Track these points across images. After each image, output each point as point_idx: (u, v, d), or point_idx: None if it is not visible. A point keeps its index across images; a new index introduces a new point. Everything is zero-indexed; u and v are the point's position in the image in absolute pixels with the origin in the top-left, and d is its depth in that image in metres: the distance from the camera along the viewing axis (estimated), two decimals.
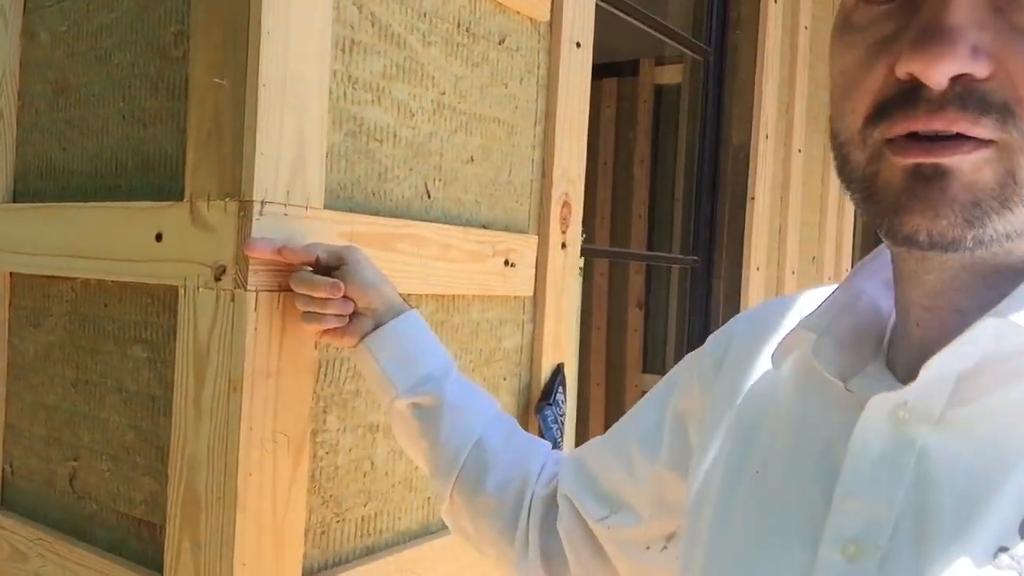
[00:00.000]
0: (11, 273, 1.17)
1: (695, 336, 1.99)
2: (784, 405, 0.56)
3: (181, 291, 0.91)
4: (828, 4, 2.31)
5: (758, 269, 1.96)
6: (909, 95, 0.42)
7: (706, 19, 1.98)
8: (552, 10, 1.28)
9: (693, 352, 0.73)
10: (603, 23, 1.74)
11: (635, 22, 1.75)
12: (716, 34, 1.98)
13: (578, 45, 1.33)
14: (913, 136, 0.42)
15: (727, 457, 0.58)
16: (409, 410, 0.86)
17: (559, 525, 0.80)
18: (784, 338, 0.56)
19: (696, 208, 1.98)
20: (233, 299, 0.86)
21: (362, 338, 0.86)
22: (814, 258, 2.32)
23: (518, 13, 1.22)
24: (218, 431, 0.87)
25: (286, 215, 0.88)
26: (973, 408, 0.45)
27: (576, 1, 1.31)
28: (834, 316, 0.53)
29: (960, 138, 0.41)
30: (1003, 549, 0.41)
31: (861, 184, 0.46)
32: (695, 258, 1.99)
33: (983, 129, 0.41)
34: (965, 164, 0.41)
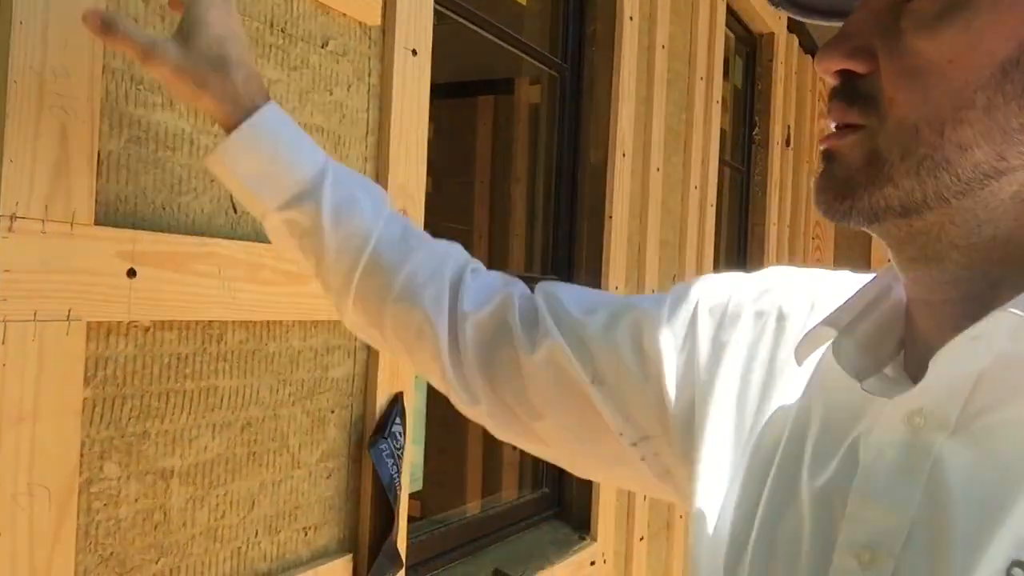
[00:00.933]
0: None
1: None
2: (808, 404, 0.56)
3: None
4: (685, 23, 2.33)
5: (617, 288, 1.92)
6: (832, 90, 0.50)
7: (562, 36, 1.94)
8: (384, 15, 1.20)
9: (697, 291, 0.69)
10: (472, 40, 1.68)
11: (489, 36, 1.69)
12: (572, 51, 1.94)
13: (414, 52, 1.25)
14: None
15: (752, 459, 0.57)
16: (284, 227, 0.74)
17: (539, 351, 0.71)
18: (806, 334, 0.55)
19: (555, 226, 1.93)
20: None
21: (230, 129, 0.71)
22: (674, 276, 2.31)
23: (344, 15, 1.13)
24: None
25: (44, 232, 0.76)
26: (990, 418, 0.45)
27: (411, 7, 1.23)
28: (858, 314, 0.54)
29: (845, 129, 0.49)
30: (1017, 563, 0.41)
31: None
32: (554, 277, 1.94)
33: (853, 116, 0.48)
34: (842, 147, 0.49)
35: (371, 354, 1.20)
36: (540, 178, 2.02)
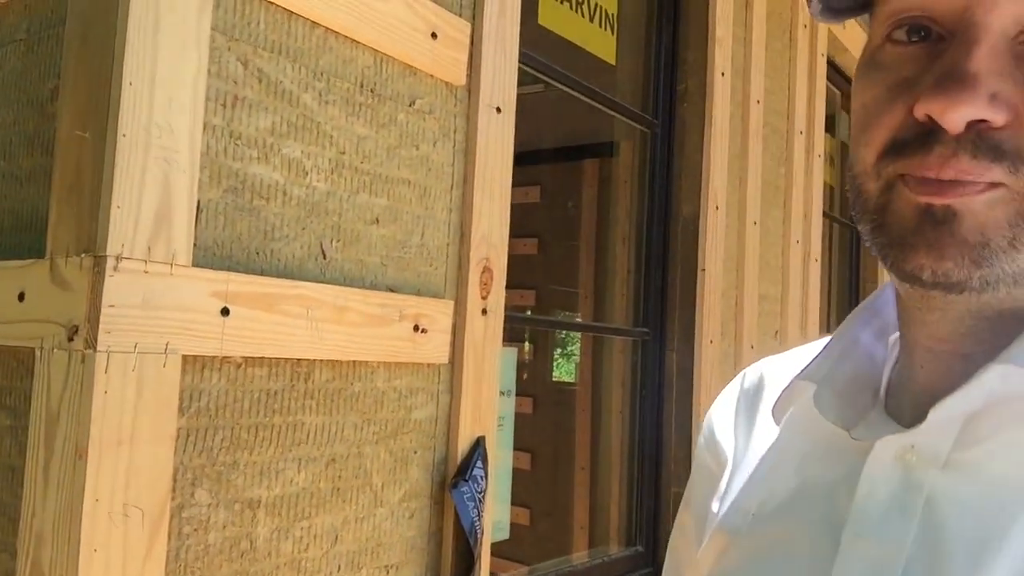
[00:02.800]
0: None
1: (647, 409, 1.92)
2: (783, 455, 0.56)
3: (37, 352, 0.86)
4: (782, 77, 2.33)
5: (712, 342, 1.90)
6: (925, 137, 0.43)
7: (653, 93, 1.97)
8: (469, 75, 1.26)
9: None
10: (576, 106, 1.74)
11: (580, 96, 1.74)
12: (664, 107, 1.97)
13: (498, 110, 1.31)
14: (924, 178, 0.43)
15: (728, 507, 0.58)
16: None
17: None
18: (783, 391, 0.56)
19: (646, 279, 1.93)
20: (83, 360, 0.81)
21: None
22: (776, 332, 2.26)
23: (431, 76, 1.20)
24: (64, 503, 0.81)
25: (146, 272, 0.84)
26: (980, 451, 0.45)
27: (496, 66, 1.30)
28: (832, 366, 0.54)
29: (971, 183, 0.42)
30: None
31: (872, 215, 0.46)
32: (645, 330, 1.93)
33: (995, 173, 0.42)
34: (976, 204, 0.42)
35: (453, 397, 1.23)
36: (634, 234, 2.03)
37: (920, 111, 0.42)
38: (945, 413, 0.45)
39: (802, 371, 0.54)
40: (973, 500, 0.44)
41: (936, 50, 0.44)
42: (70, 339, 0.82)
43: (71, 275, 0.83)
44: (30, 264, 0.88)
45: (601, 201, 4.07)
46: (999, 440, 0.45)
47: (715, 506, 0.63)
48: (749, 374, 0.69)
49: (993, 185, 0.42)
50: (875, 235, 0.46)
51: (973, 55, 0.42)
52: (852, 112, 0.49)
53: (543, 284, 4.51)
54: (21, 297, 0.88)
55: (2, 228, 0.98)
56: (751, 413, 0.64)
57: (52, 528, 0.81)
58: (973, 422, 0.45)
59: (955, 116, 0.41)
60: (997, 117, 0.41)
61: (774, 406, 0.56)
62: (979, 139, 0.42)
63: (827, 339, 0.57)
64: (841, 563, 0.46)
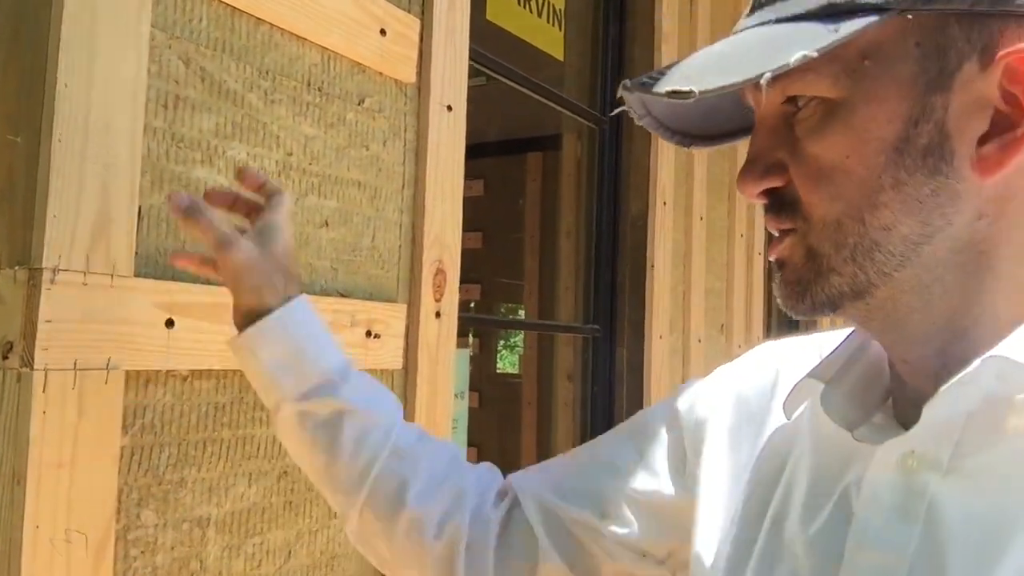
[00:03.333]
0: None
1: (598, 406, 1.92)
2: (798, 455, 0.58)
3: None
4: None
5: (661, 337, 1.91)
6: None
7: (600, 89, 1.97)
8: (419, 72, 1.23)
9: (667, 401, 0.73)
10: (520, 99, 1.72)
11: (529, 92, 1.73)
12: (611, 103, 1.97)
13: (449, 108, 1.28)
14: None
15: (745, 509, 0.59)
16: (298, 419, 0.73)
17: (542, 544, 0.73)
18: (793, 388, 0.57)
19: (596, 276, 1.93)
20: (19, 379, 0.76)
21: (241, 325, 0.74)
22: (723, 326, 2.29)
23: (380, 74, 1.17)
24: (2, 531, 0.76)
25: (85, 284, 0.79)
26: (981, 457, 0.46)
27: (446, 64, 1.27)
28: (842, 365, 0.56)
29: (782, 233, 0.52)
30: None
31: None
32: (596, 327, 1.93)
33: (784, 223, 0.51)
34: (784, 252, 0.52)
35: (407, 404, 1.21)
36: (583, 231, 2.03)
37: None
38: (940, 411, 0.46)
39: (813, 369, 0.56)
40: (975, 506, 0.45)
41: None
42: (4, 357, 0.77)
43: (4, 289, 0.78)
44: None
45: (546, 195, 4.07)
46: (1001, 447, 0.46)
47: (671, 473, 0.68)
48: (763, 362, 0.68)
49: (788, 233, 0.51)
50: None
51: (753, 141, 0.52)
52: None
53: (488, 278, 4.50)
54: None
55: None
56: (763, 404, 0.64)
57: None
58: (972, 425, 0.47)
59: (746, 191, 0.52)
60: (775, 181, 0.51)
61: (785, 403, 0.57)
62: (772, 200, 0.52)
63: (842, 333, 0.59)
64: (846, 571, 0.48)
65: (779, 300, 0.53)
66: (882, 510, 0.48)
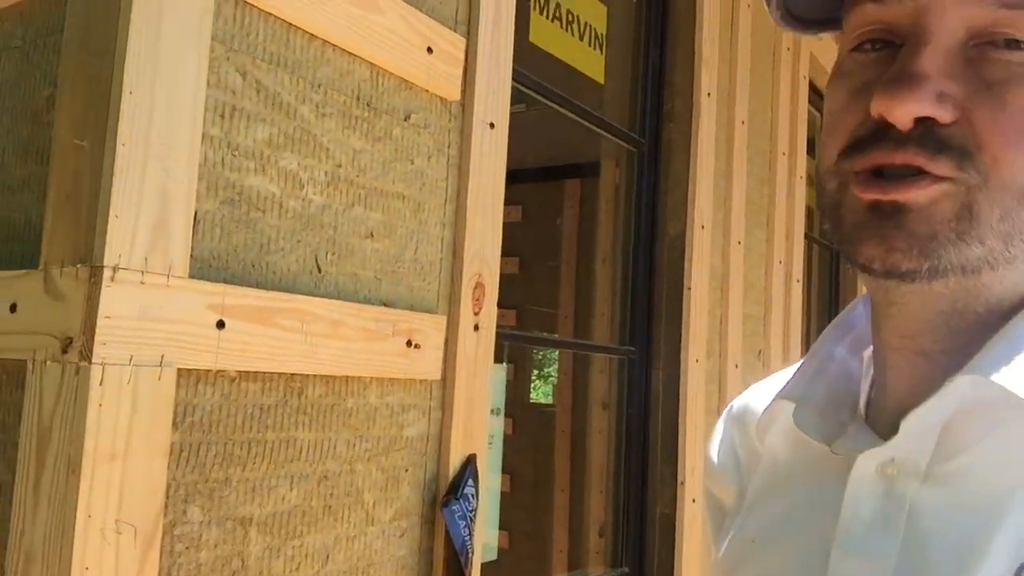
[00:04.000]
0: None
1: (633, 428, 1.92)
2: (777, 476, 0.58)
3: (29, 365, 0.84)
4: (766, 99, 2.35)
5: (697, 361, 1.90)
6: (879, 133, 0.45)
7: (640, 113, 1.99)
8: (463, 90, 1.26)
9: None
10: (560, 126, 1.74)
11: (569, 114, 1.75)
12: (651, 128, 1.99)
13: (492, 126, 1.31)
14: (878, 173, 0.45)
15: (732, 534, 0.61)
16: None
17: None
18: (763, 412, 0.58)
19: (632, 298, 1.94)
20: (78, 373, 0.79)
21: None
22: (760, 352, 2.27)
23: (426, 91, 1.20)
24: (55, 520, 0.79)
25: (143, 283, 0.82)
26: (958, 462, 0.46)
27: (490, 83, 1.30)
28: (808, 383, 0.55)
29: (919, 174, 0.44)
30: None
31: (829, 212, 0.49)
32: (632, 348, 1.93)
33: (940, 166, 0.44)
34: (921, 198, 0.44)
35: (445, 414, 1.22)
36: (619, 254, 2.04)
37: (873, 110, 0.45)
38: (917, 423, 0.46)
39: (781, 391, 0.56)
40: (954, 511, 0.45)
41: (892, 54, 0.47)
42: (64, 351, 0.80)
43: (66, 286, 0.81)
44: (23, 275, 0.86)
45: (584, 220, 4.09)
46: (977, 451, 0.46)
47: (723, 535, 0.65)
48: (735, 404, 0.70)
49: (939, 179, 0.44)
50: (832, 232, 0.49)
51: (920, 56, 0.44)
52: (823, 119, 0.52)
53: (524, 304, 4.51)
54: (13, 308, 0.86)
55: None
56: (743, 440, 0.66)
57: (43, 545, 0.79)
58: (949, 431, 0.47)
59: (902, 112, 0.44)
60: (944, 114, 0.44)
61: (756, 426, 0.59)
62: (927, 135, 0.44)
63: (801, 361, 0.59)
64: None
65: (872, 247, 0.46)
66: (864, 519, 0.48)
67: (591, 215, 3.92)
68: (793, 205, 2.50)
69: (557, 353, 4.66)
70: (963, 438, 0.46)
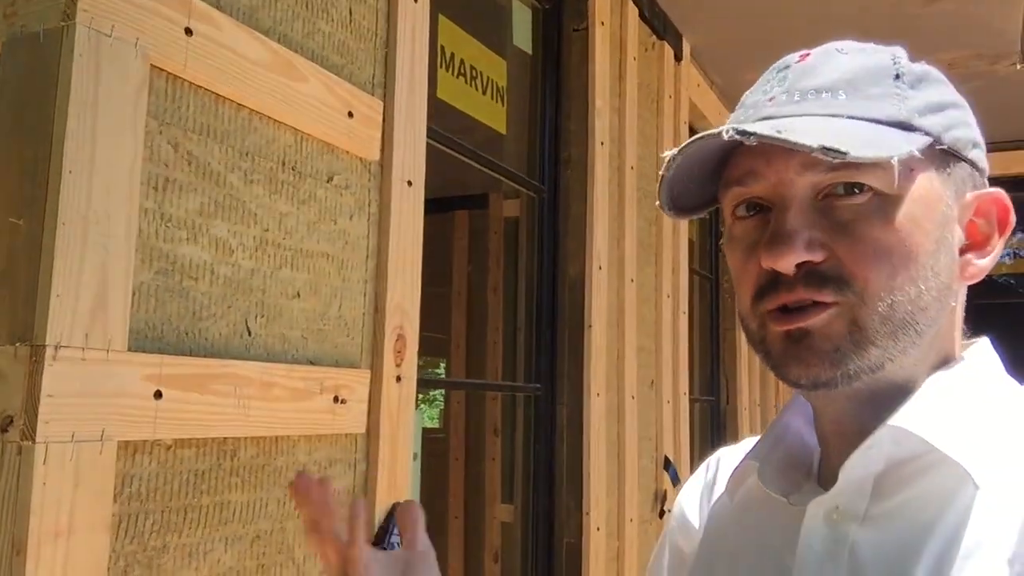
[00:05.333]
0: None
1: (541, 464, 1.99)
2: (741, 528, 0.68)
3: None
4: (651, 145, 2.50)
5: (599, 395, 2.00)
6: (775, 280, 0.58)
7: (539, 160, 2.08)
8: (383, 150, 1.31)
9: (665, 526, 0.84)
10: (451, 159, 1.80)
11: (475, 165, 1.82)
12: (549, 173, 2.08)
13: (409, 184, 1.36)
14: (783, 309, 0.57)
15: (697, 569, 0.70)
16: None
17: None
18: (734, 470, 0.68)
19: (537, 337, 2.02)
20: (20, 452, 0.79)
21: None
22: (652, 382, 2.39)
23: (347, 153, 1.24)
24: None
25: (83, 359, 0.83)
26: (888, 504, 0.56)
27: (406, 143, 1.35)
28: (770, 447, 0.67)
29: (813, 305, 0.56)
30: None
31: (758, 346, 0.61)
32: (537, 386, 2.01)
33: (826, 295, 0.56)
34: (819, 322, 0.56)
35: (370, 466, 1.26)
36: (521, 291, 2.12)
37: (764, 264, 0.58)
38: (852, 472, 0.57)
39: (748, 452, 0.68)
40: (885, 547, 0.55)
41: (766, 219, 0.59)
42: (4, 430, 0.80)
43: (4, 365, 0.81)
44: None
45: (473, 253, 4.16)
46: (903, 495, 0.56)
47: None
48: (711, 463, 0.80)
49: (828, 305, 0.56)
50: (764, 360, 0.60)
51: (787, 217, 0.57)
52: (731, 273, 0.65)
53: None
54: None
55: None
56: (713, 495, 0.76)
57: None
58: (882, 480, 0.57)
59: (784, 263, 0.56)
60: (816, 256, 0.56)
61: (728, 483, 0.69)
62: (810, 274, 0.56)
63: (760, 435, 0.70)
64: None
65: (796, 369, 0.57)
66: (815, 556, 0.58)
67: (481, 247, 4.01)
68: (679, 242, 2.65)
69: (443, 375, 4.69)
70: (893, 485, 0.57)
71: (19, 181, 0.85)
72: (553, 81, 2.11)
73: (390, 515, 1.27)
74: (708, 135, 0.57)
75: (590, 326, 2.00)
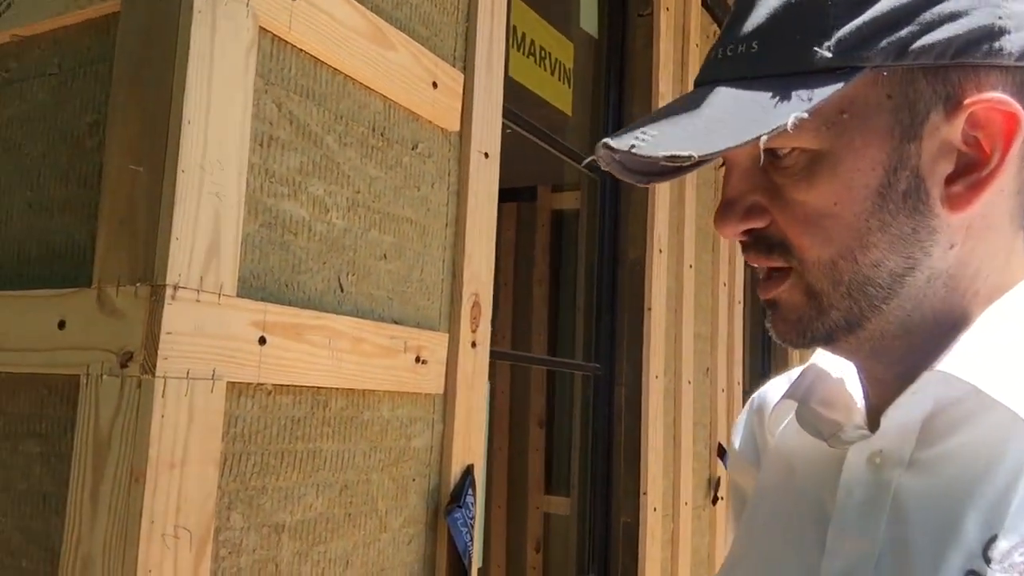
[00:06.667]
0: None
1: (599, 443, 2.01)
2: (782, 467, 0.66)
3: (83, 379, 0.87)
4: None
5: (657, 377, 2.01)
6: (742, 244, 0.58)
7: None
8: (462, 122, 1.34)
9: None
10: (504, 151, 1.83)
11: (543, 145, 1.85)
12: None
13: (486, 155, 1.39)
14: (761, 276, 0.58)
15: (745, 519, 0.69)
16: None
17: None
18: (772, 410, 0.67)
19: (597, 319, 2.04)
20: (140, 385, 0.83)
21: None
22: (708, 370, 2.40)
23: (430, 122, 1.28)
24: (116, 526, 0.83)
25: (198, 301, 0.87)
26: (936, 450, 0.53)
27: (484, 115, 1.38)
28: (810, 384, 0.64)
29: (776, 272, 0.56)
30: (972, 573, 0.48)
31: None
32: (597, 365, 2.03)
33: (775, 260, 0.55)
34: (782, 293, 0.56)
35: (446, 427, 1.29)
36: (580, 273, 2.14)
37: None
38: (896, 418, 0.53)
39: (787, 391, 0.64)
40: (932, 494, 0.52)
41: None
42: (123, 365, 0.85)
43: (124, 303, 0.86)
44: (72, 293, 0.90)
45: (520, 245, 4.19)
46: (952, 441, 0.53)
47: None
48: (756, 399, 0.79)
49: (785, 274, 0.55)
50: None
51: (729, 183, 0.56)
52: None
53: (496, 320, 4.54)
54: (61, 325, 0.90)
55: (28, 257, 0.99)
56: (761, 431, 0.75)
57: (103, 552, 0.83)
58: (931, 423, 0.54)
59: (726, 233, 0.56)
60: (758, 222, 0.55)
61: (767, 424, 0.68)
62: (757, 239, 0.56)
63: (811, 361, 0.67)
64: (828, 559, 0.55)
65: (775, 336, 0.58)
66: (855, 503, 0.54)
67: (528, 239, 4.03)
68: None
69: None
70: (939, 430, 0.53)
71: (139, 131, 0.89)
72: (617, 66, 2.13)
73: (465, 475, 1.30)
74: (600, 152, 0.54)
75: (650, 308, 2.02)
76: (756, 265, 0.57)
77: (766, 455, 0.71)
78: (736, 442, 0.79)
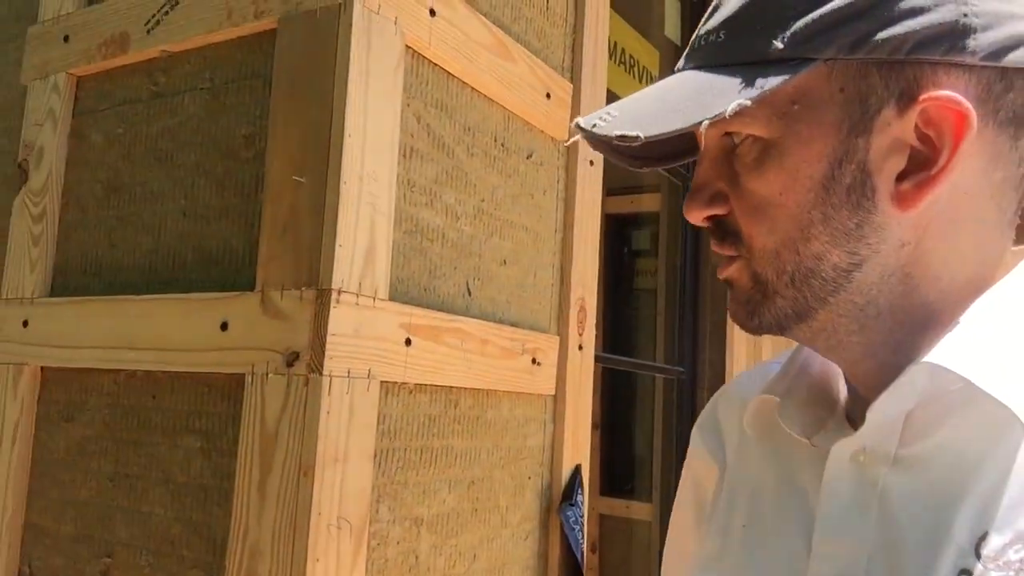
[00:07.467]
0: (42, 368, 1.16)
1: (683, 443, 2.04)
2: (762, 465, 0.63)
3: (248, 377, 0.93)
4: None
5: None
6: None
7: None
8: (570, 131, 1.38)
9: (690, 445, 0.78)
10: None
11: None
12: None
13: (591, 163, 1.43)
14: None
15: (719, 518, 0.65)
16: None
17: None
18: (751, 406, 0.63)
19: (680, 322, 2.07)
20: (307, 383, 0.89)
21: None
22: None
23: (542, 132, 1.32)
24: (285, 517, 0.88)
25: (357, 304, 0.92)
26: (922, 446, 0.51)
27: None
28: (792, 380, 0.62)
29: (730, 258, 0.56)
30: (964, 572, 0.47)
31: None
32: (681, 368, 2.06)
33: (727, 248, 0.56)
34: (733, 274, 0.56)
35: (557, 427, 1.33)
36: (661, 277, 2.17)
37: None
38: (881, 412, 0.51)
39: (767, 385, 0.62)
40: (919, 492, 0.50)
41: None
42: (289, 364, 0.90)
43: (288, 306, 0.91)
44: (235, 296, 0.96)
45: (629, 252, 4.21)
46: (937, 436, 0.51)
47: (707, 513, 0.70)
48: (727, 391, 0.75)
49: (735, 259, 0.55)
50: None
51: (698, 170, 0.57)
52: None
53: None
54: (224, 327, 0.96)
55: (184, 262, 1.05)
56: (728, 427, 0.71)
57: (271, 542, 0.88)
58: (911, 420, 0.52)
59: (690, 217, 0.57)
60: (719, 210, 0.56)
61: (745, 419, 0.64)
62: (717, 226, 0.56)
63: (784, 356, 0.65)
64: (815, 562, 0.53)
65: (731, 315, 0.58)
66: (841, 503, 0.52)
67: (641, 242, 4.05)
68: None
69: None
70: (924, 425, 0.51)
71: (300, 143, 0.94)
72: None
73: (574, 474, 1.34)
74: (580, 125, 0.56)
75: None
76: (715, 252, 0.57)
77: (735, 452, 0.68)
78: (699, 437, 0.74)
